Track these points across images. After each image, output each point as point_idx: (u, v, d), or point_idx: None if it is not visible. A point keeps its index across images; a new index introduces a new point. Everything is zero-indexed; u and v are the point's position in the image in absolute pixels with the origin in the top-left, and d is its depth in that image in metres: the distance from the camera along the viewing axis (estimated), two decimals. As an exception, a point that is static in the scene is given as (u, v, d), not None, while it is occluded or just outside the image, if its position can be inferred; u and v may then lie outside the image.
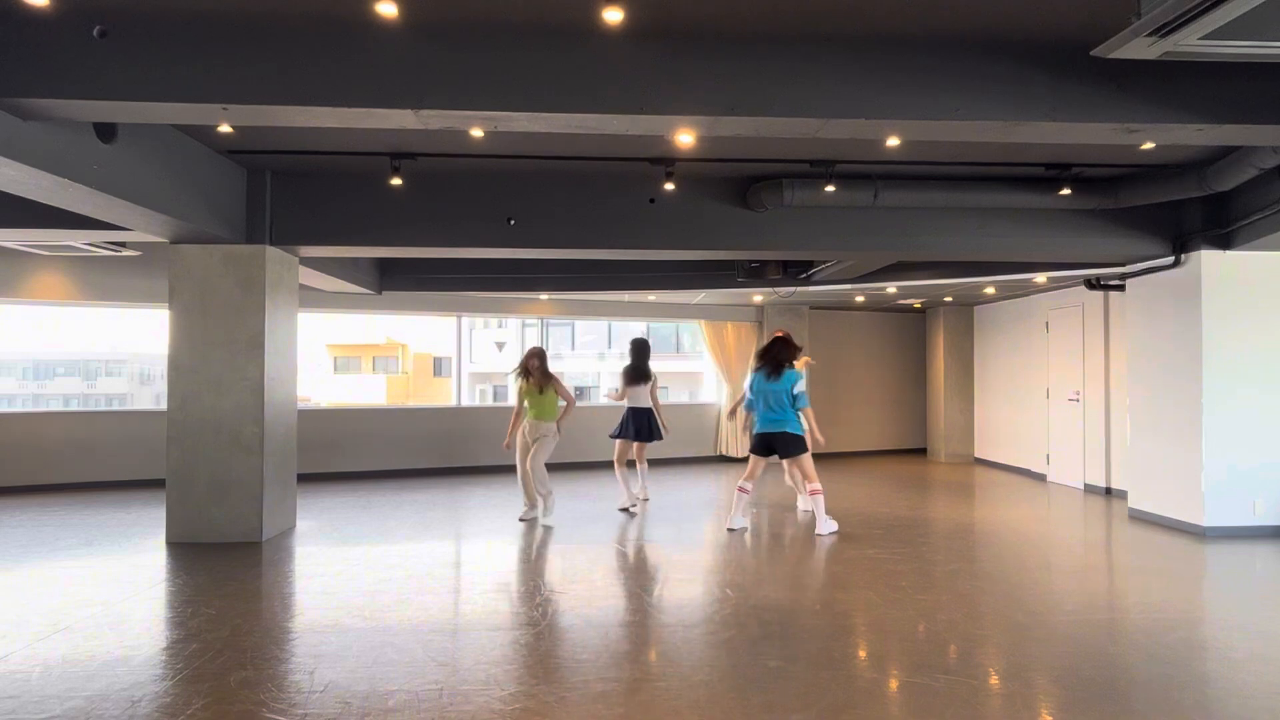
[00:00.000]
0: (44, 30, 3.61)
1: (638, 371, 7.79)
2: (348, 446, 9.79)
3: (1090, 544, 6.39)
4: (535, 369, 7.01)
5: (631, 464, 7.97)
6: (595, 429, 9.98)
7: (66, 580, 5.03)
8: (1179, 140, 4.28)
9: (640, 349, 7.89)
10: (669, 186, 6.00)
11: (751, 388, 6.72)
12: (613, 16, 3.66)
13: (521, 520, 6.97)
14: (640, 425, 7.72)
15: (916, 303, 11.47)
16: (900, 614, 4.39)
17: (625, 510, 7.48)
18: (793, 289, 9.24)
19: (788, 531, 6.64)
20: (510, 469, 10.20)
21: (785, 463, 6.95)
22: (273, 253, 6.25)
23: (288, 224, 6.26)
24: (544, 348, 7.38)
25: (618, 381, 7.99)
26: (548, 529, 6.67)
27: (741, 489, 6.63)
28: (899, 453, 12.50)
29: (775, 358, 6.62)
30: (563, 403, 7.05)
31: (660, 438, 7.86)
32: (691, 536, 6.52)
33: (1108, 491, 8.56)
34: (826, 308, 11.97)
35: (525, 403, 7.03)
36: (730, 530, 6.57)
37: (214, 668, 3.56)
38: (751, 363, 7.38)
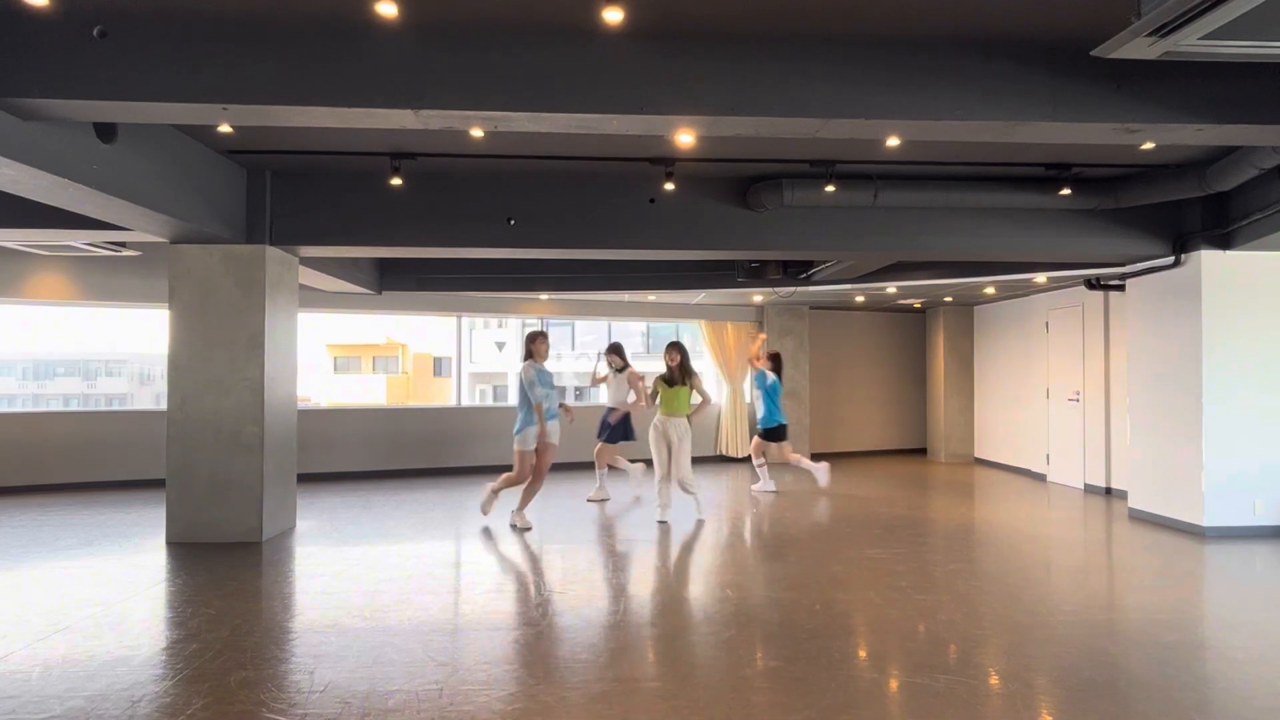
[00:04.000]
0: (44, 30, 3.61)
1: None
2: (348, 446, 9.79)
3: (1090, 544, 6.38)
4: (677, 366, 7.13)
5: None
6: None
7: (66, 580, 5.03)
8: (1179, 140, 4.28)
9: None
10: (669, 186, 6.00)
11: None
12: (613, 16, 3.66)
13: (659, 523, 6.89)
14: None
15: (916, 303, 11.47)
16: (900, 614, 4.39)
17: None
18: (793, 289, 9.24)
19: (788, 529, 6.64)
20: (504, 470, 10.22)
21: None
22: (273, 253, 6.25)
23: (288, 224, 6.26)
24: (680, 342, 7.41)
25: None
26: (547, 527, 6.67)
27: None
28: (899, 453, 12.50)
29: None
30: (698, 399, 7.22)
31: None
32: (691, 536, 6.51)
33: (1108, 491, 8.56)
34: (826, 308, 11.97)
35: (658, 399, 7.18)
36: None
37: (214, 668, 3.56)
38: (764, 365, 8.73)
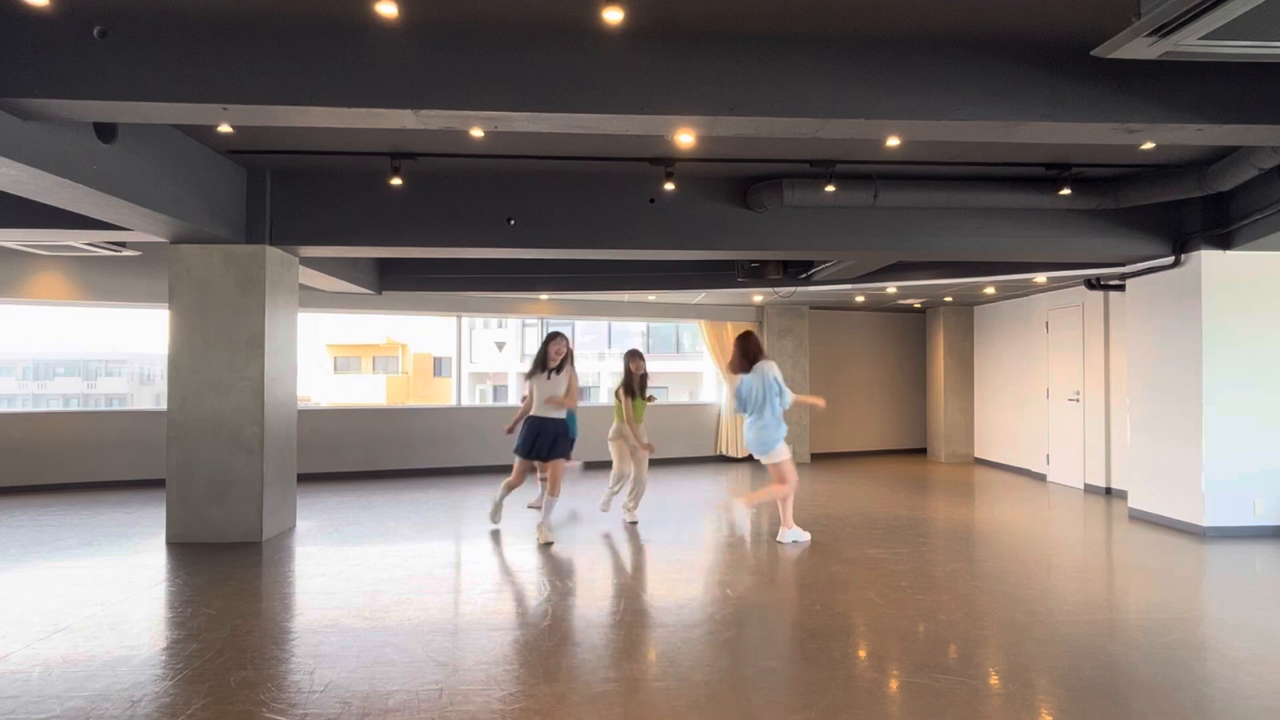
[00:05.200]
0: (44, 30, 3.61)
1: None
2: (348, 446, 9.79)
3: (1090, 544, 6.38)
4: (638, 375, 6.88)
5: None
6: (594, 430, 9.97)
7: (66, 580, 5.02)
8: (1179, 140, 4.28)
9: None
10: (669, 186, 6.00)
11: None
12: (613, 16, 3.66)
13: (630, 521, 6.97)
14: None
15: (916, 303, 11.47)
16: (900, 614, 4.39)
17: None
18: (793, 289, 9.24)
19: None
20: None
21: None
22: (273, 253, 6.25)
23: (288, 224, 6.26)
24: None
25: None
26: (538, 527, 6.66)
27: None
28: (899, 453, 12.50)
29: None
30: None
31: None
32: (691, 537, 6.52)
33: (1108, 491, 8.56)
34: (826, 308, 11.97)
35: (622, 408, 6.90)
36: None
37: (214, 668, 3.56)
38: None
